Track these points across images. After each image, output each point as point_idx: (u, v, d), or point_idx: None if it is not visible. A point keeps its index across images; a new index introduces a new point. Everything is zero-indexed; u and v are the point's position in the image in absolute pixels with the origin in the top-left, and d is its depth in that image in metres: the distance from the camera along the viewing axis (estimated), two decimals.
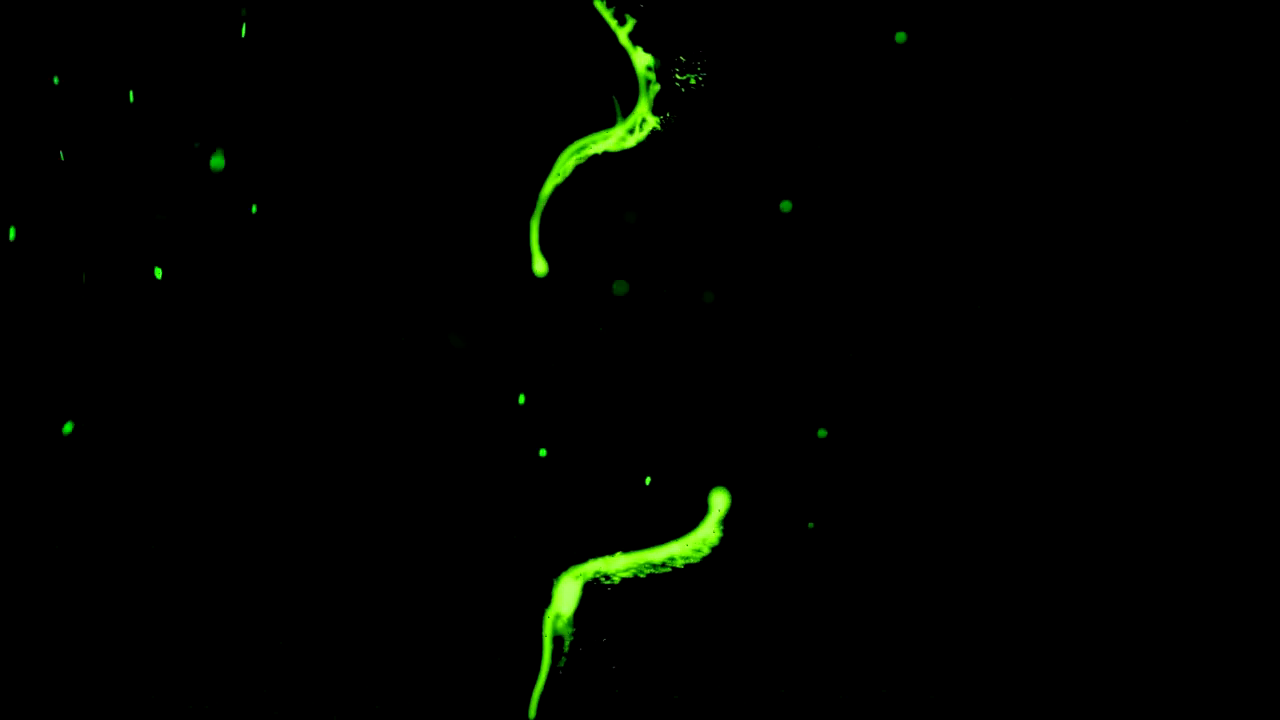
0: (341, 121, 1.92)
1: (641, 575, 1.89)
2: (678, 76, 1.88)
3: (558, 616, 1.88)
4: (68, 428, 1.70)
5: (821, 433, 1.87)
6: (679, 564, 1.89)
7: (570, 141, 1.92)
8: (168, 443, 1.92)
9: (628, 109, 1.90)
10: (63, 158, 1.66)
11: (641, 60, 1.88)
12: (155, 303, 1.92)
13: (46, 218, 1.91)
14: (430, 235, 1.93)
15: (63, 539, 1.91)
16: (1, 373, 1.90)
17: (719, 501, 1.90)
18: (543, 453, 1.91)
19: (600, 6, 1.88)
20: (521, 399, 1.87)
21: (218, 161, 1.56)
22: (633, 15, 1.87)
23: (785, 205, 1.65)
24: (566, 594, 1.89)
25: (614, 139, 1.91)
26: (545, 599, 1.89)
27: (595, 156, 1.92)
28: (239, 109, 1.92)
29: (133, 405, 1.92)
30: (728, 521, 1.90)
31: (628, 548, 1.90)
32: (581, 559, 1.90)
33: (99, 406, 1.91)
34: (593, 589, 1.89)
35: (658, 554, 1.89)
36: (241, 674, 1.91)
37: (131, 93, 1.90)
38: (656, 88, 1.88)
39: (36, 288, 1.91)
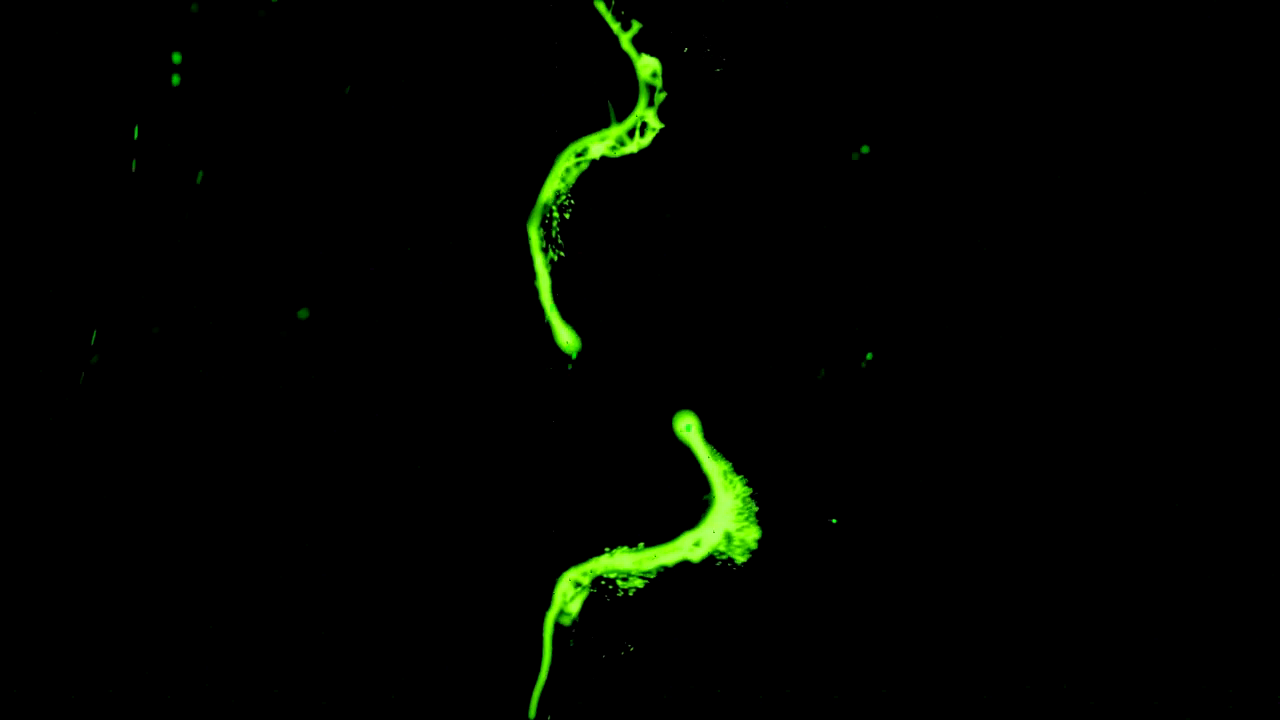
0: (345, 122, 1.90)
1: (653, 577, 1.90)
2: (703, 55, 1.88)
3: (560, 615, 1.89)
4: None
5: (864, 363, 1.85)
6: (710, 563, 1.90)
7: (568, 144, 1.92)
8: (167, 438, 1.90)
9: (625, 111, 1.90)
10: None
11: (645, 64, 1.88)
12: (154, 301, 1.90)
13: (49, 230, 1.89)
14: (430, 233, 1.93)
15: (63, 539, 1.89)
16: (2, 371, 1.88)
17: (687, 427, 1.90)
18: (563, 372, 1.89)
19: (601, 9, 1.88)
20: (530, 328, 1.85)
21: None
22: (635, 19, 1.88)
23: (864, 148, 1.62)
24: (569, 593, 1.90)
25: (611, 140, 1.91)
26: (546, 598, 1.90)
27: (594, 156, 1.92)
28: (239, 109, 1.90)
29: (136, 403, 1.90)
30: (743, 514, 1.91)
31: (630, 540, 1.91)
32: (585, 556, 1.91)
33: (105, 409, 1.89)
34: (595, 587, 1.90)
35: (671, 553, 1.91)
36: (242, 673, 1.90)
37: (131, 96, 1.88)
38: (662, 95, 1.89)
39: (34, 292, 1.89)
